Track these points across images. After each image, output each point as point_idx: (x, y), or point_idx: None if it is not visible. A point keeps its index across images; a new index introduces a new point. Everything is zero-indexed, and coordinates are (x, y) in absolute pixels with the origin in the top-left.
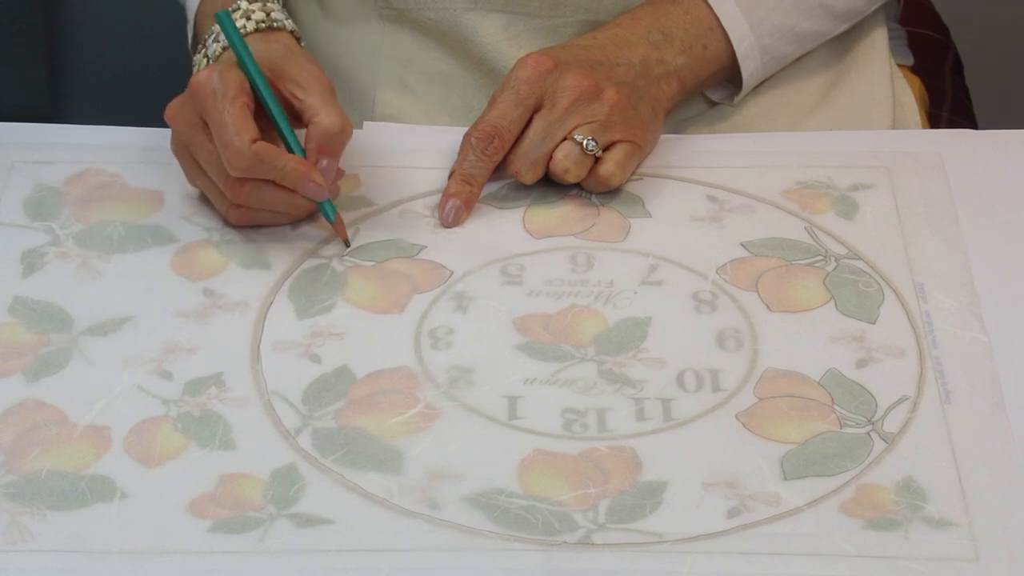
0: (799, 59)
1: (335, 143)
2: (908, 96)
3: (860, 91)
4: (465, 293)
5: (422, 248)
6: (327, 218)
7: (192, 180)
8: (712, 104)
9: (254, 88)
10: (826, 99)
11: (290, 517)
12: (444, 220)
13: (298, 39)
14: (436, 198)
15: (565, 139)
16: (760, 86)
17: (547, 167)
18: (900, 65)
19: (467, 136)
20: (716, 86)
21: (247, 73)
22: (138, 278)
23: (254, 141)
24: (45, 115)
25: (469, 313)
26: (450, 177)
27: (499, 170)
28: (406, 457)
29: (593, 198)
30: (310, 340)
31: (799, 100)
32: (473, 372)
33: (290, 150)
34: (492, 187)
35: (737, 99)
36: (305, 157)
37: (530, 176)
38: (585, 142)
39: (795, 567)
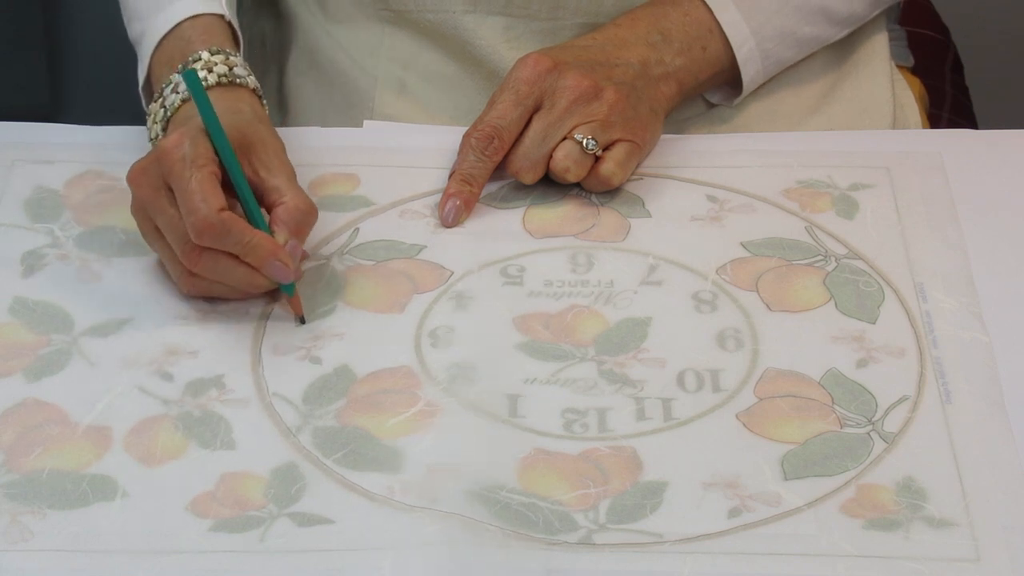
0: (799, 62)
1: (304, 224)
2: (908, 97)
3: (860, 94)
4: (465, 293)
5: (422, 248)
6: (286, 292)
7: (150, 244)
8: (712, 105)
9: (220, 158)
10: (826, 101)
11: (291, 516)
12: (444, 220)
13: (260, 97)
14: (436, 198)
15: (565, 139)
16: (760, 88)
17: (547, 167)
18: (900, 66)
19: (467, 136)
20: (715, 89)
21: (214, 142)
22: (138, 282)
23: (221, 210)
24: (45, 115)
25: (469, 313)
26: (450, 177)
27: (499, 170)
28: (407, 456)
29: (593, 198)
30: (311, 343)
31: (799, 102)
32: (473, 371)
33: (255, 224)
34: (492, 187)
35: (736, 101)
36: (270, 234)
37: (530, 176)
38: (585, 141)
39: (795, 567)
